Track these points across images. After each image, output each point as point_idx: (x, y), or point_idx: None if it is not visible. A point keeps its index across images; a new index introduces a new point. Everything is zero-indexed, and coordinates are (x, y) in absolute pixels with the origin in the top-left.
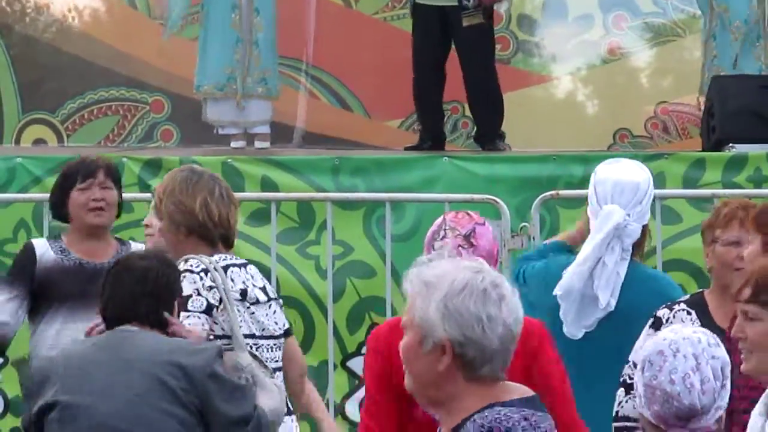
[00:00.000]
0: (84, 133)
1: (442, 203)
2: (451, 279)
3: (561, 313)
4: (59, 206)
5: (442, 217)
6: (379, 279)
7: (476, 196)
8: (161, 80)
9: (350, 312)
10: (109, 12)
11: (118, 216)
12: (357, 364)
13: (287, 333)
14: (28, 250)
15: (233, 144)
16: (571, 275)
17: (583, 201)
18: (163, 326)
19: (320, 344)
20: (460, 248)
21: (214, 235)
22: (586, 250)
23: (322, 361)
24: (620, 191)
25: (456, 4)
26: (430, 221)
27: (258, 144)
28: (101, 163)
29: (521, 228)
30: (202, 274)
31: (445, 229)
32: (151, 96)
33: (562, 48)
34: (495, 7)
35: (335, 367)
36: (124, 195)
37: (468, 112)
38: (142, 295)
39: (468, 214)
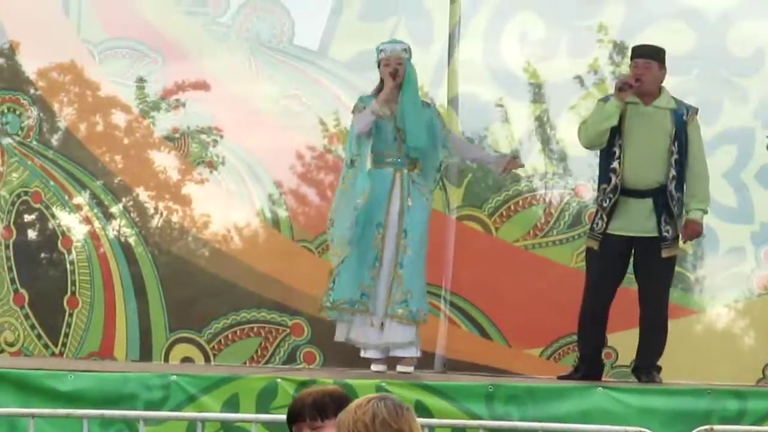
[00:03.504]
0: (229, 353)
1: None
2: None
3: None
4: None
5: None
6: None
7: (630, 429)
8: (303, 303)
9: None
10: (253, 234)
11: None
12: None
13: None
14: None
15: (373, 367)
16: None
17: None
18: None
19: None
20: None
21: None
22: None
23: None
24: None
25: (654, 235)
26: None
27: (400, 368)
28: (307, 401)
29: None
30: None
31: None
32: (291, 319)
33: (712, 280)
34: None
35: None
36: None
37: (610, 342)
38: None
39: None
